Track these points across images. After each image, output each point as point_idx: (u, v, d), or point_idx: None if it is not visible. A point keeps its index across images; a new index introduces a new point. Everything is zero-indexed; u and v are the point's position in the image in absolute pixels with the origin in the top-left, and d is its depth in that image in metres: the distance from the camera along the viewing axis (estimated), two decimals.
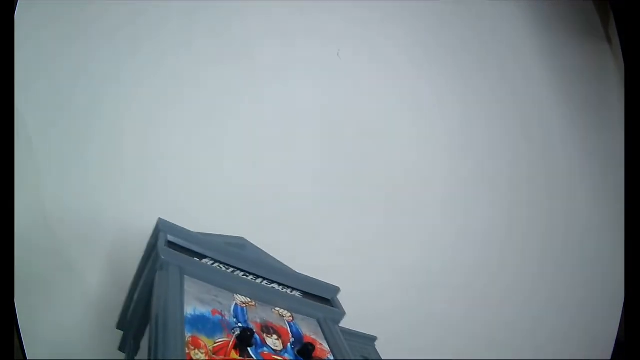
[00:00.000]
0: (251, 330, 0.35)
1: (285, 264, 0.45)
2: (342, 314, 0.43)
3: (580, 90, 0.71)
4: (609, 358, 0.59)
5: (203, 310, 0.35)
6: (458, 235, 0.60)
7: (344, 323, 0.46)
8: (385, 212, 0.58)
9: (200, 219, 0.49)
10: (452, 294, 0.57)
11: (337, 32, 0.62)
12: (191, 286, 0.36)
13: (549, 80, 0.70)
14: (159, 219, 0.40)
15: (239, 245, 0.44)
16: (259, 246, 0.45)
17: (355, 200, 0.57)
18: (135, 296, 0.40)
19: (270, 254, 0.45)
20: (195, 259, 0.39)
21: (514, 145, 0.67)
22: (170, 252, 0.37)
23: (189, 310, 0.34)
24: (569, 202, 0.67)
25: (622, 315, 0.61)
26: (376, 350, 0.46)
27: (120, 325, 0.42)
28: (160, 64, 0.54)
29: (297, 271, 0.44)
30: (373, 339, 0.46)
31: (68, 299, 0.43)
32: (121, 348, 0.40)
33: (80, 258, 0.44)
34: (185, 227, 0.43)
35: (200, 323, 0.33)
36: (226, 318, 0.35)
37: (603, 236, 0.66)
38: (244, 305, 0.38)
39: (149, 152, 0.51)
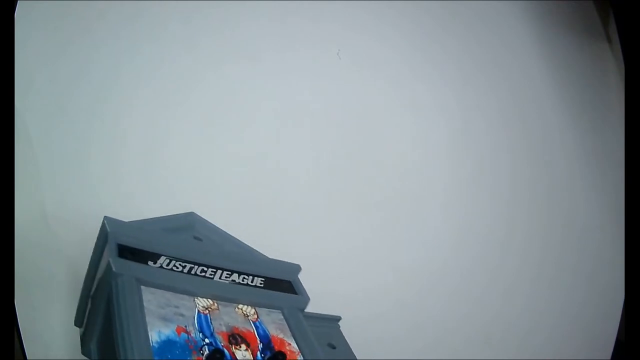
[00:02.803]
0: (220, 352, 0.34)
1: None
2: (307, 300, 0.42)
3: (580, 90, 0.71)
4: (609, 358, 0.59)
5: (167, 332, 0.33)
6: (458, 235, 0.60)
7: (345, 322, 0.47)
8: (385, 213, 0.58)
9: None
10: (452, 294, 0.57)
11: (337, 33, 0.62)
12: (150, 299, 0.35)
13: (549, 80, 0.70)
14: (105, 217, 0.38)
15: (189, 224, 0.42)
16: (253, 246, 0.45)
17: (355, 201, 0.57)
18: (92, 295, 0.38)
19: (221, 228, 0.44)
20: (150, 262, 0.37)
21: (514, 145, 0.67)
22: (123, 264, 0.36)
23: (154, 336, 0.33)
24: (569, 202, 0.67)
25: (622, 315, 0.61)
26: (340, 331, 0.45)
27: (78, 322, 0.40)
28: (162, 64, 0.54)
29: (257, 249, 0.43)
30: (336, 319, 0.46)
31: (68, 299, 0.43)
32: (84, 352, 0.38)
33: (81, 258, 0.44)
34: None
35: (167, 350, 0.32)
36: (192, 335, 0.34)
37: (603, 236, 0.66)
38: (207, 312, 0.36)
39: (151, 151, 0.51)
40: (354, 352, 0.45)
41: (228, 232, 0.44)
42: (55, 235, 0.45)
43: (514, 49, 0.70)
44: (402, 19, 0.66)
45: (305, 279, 0.46)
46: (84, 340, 0.38)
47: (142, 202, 0.49)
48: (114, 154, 0.50)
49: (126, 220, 0.41)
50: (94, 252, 0.39)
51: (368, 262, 0.55)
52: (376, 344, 0.49)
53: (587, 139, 0.70)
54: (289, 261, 0.45)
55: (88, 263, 0.43)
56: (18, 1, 0.48)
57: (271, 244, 0.51)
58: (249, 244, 0.47)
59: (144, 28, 0.54)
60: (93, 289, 0.39)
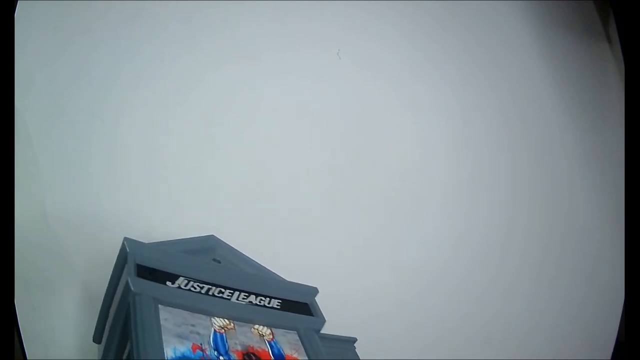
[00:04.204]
0: None
1: (284, 265, 0.45)
2: (322, 321, 0.42)
3: (580, 90, 0.71)
4: (609, 358, 0.59)
5: (183, 349, 0.34)
6: (458, 235, 0.60)
7: (346, 323, 0.46)
8: (385, 213, 0.58)
9: (201, 218, 0.49)
10: (452, 294, 0.57)
11: (337, 33, 0.62)
12: (167, 318, 0.36)
13: (549, 80, 0.70)
14: (125, 238, 0.39)
15: (209, 246, 0.43)
16: (250, 246, 0.45)
17: (355, 201, 0.57)
18: (111, 314, 0.39)
19: (243, 252, 0.44)
20: (168, 282, 0.38)
21: (514, 145, 0.67)
22: (142, 283, 0.36)
23: (169, 352, 0.33)
24: (569, 202, 0.67)
25: (622, 315, 0.61)
26: (356, 353, 0.45)
27: (96, 339, 0.41)
28: (162, 64, 0.54)
29: (276, 272, 0.44)
30: (352, 340, 0.46)
31: (69, 299, 0.43)
32: None
33: (81, 258, 0.44)
34: (184, 228, 0.43)
35: None
36: (207, 353, 0.35)
37: (603, 236, 0.66)
38: (223, 331, 0.37)
39: (151, 152, 0.51)
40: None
41: (245, 253, 0.45)
42: (55, 235, 0.45)
43: (514, 49, 0.70)
44: (402, 19, 0.66)
45: (305, 280, 0.46)
46: (103, 356, 0.39)
47: (142, 202, 0.49)
48: (114, 154, 0.50)
49: (126, 215, 0.41)
50: (113, 272, 0.39)
51: (368, 262, 0.55)
52: (376, 344, 0.49)
53: (587, 139, 0.70)
54: (289, 265, 0.45)
55: (88, 263, 0.44)
56: (18, 1, 0.48)
57: (270, 243, 0.51)
58: (247, 243, 0.47)
59: (144, 28, 0.54)
60: (112, 307, 0.39)
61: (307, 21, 0.61)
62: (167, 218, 0.48)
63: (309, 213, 0.55)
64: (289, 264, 0.47)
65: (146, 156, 0.51)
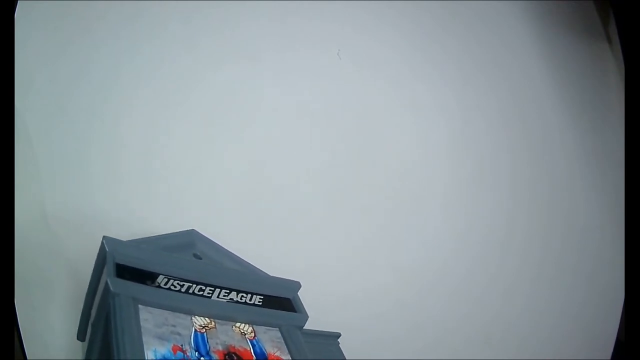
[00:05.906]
0: None
1: (284, 265, 0.45)
2: (305, 317, 0.42)
3: (580, 90, 0.71)
4: (609, 358, 0.59)
5: (163, 350, 0.34)
6: (458, 235, 0.60)
7: (346, 323, 0.46)
8: (385, 213, 0.58)
9: (202, 218, 0.49)
10: (452, 294, 0.57)
11: (337, 33, 0.62)
12: (147, 318, 0.35)
13: (549, 80, 0.70)
14: (104, 237, 0.38)
15: (189, 241, 0.43)
16: (250, 246, 0.45)
17: (355, 201, 0.57)
18: (93, 313, 0.39)
19: (243, 252, 0.44)
20: (148, 281, 0.38)
21: (514, 145, 0.67)
22: (121, 283, 0.36)
23: (150, 355, 0.33)
24: (569, 202, 0.67)
25: (622, 315, 0.61)
26: (340, 348, 0.45)
27: (80, 337, 0.41)
28: (162, 64, 0.54)
29: (276, 272, 0.44)
30: (336, 335, 0.46)
31: (69, 299, 0.43)
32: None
33: (81, 258, 0.44)
34: (184, 226, 0.43)
35: None
36: (187, 354, 0.35)
37: (603, 236, 0.66)
38: (204, 331, 0.37)
39: (150, 152, 0.51)
40: (354, 351, 0.45)
41: (228, 245, 0.45)
42: (55, 235, 0.45)
43: (514, 49, 0.70)
44: (402, 19, 0.66)
45: (305, 280, 0.46)
46: (87, 354, 0.39)
47: (142, 202, 0.49)
48: (114, 154, 0.50)
49: (126, 215, 0.41)
50: (94, 271, 0.39)
51: (368, 262, 0.55)
52: (376, 344, 0.49)
53: (587, 139, 0.70)
54: (289, 265, 0.45)
55: (87, 263, 0.43)
56: (18, 1, 0.48)
57: (270, 243, 0.51)
58: (248, 243, 0.47)
59: (144, 28, 0.54)
60: (94, 306, 0.39)
61: (307, 21, 0.61)
62: (167, 218, 0.48)
63: (309, 213, 0.55)
64: (288, 263, 0.47)
65: (146, 156, 0.51)
